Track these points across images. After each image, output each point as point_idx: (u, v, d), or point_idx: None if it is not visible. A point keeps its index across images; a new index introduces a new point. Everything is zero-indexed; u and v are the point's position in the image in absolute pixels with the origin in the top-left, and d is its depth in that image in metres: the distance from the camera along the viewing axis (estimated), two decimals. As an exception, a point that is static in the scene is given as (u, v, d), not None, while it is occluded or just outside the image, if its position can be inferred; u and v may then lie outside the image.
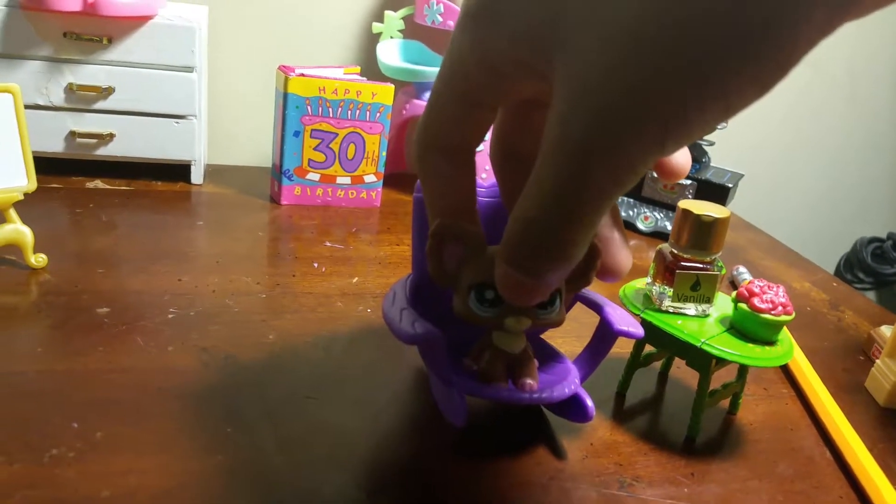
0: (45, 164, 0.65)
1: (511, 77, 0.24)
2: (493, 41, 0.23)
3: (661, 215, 0.77)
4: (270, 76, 0.82)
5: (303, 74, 0.67)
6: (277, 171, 0.71)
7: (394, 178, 0.81)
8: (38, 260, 0.51)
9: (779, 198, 1.17)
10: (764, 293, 0.40)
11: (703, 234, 0.40)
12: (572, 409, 0.39)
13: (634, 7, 0.18)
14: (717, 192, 0.74)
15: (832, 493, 0.39)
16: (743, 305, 0.40)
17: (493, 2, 0.23)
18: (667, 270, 0.41)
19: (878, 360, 0.50)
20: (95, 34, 0.65)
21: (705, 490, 0.37)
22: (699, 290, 0.41)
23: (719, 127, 0.73)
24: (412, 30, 0.82)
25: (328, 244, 0.63)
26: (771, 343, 0.40)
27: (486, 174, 0.74)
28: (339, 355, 0.45)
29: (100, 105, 0.67)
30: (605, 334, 0.38)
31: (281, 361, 0.43)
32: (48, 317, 0.45)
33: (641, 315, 0.41)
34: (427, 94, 0.77)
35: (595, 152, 0.20)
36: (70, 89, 0.66)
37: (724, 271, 0.41)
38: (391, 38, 0.79)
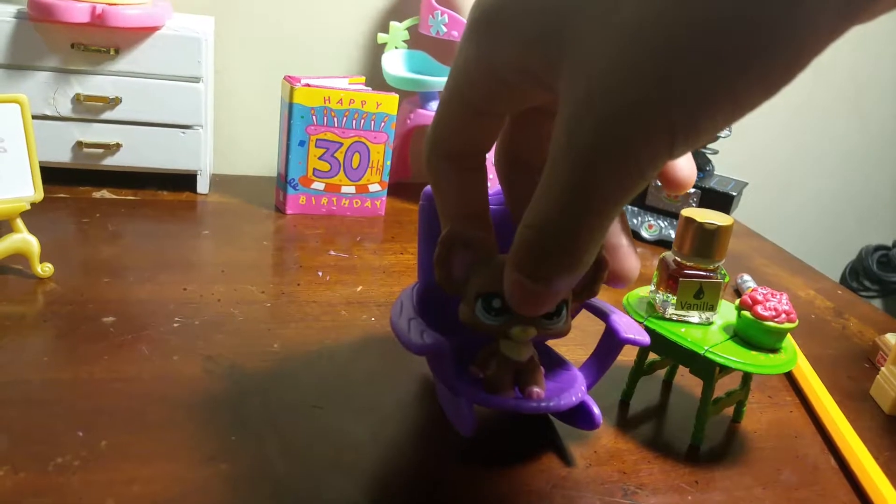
0: (51, 174, 0.65)
1: (516, 86, 0.24)
2: (498, 51, 0.23)
3: (666, 223, 0.77)
4: (276, 86, 0.82)
5: (308, 84, 0.68)
6: (282, 181, 0.71)
7: (398, 188, 0.82)
8: (45, 269, 0.51)
9: (784, 206, 1.17)
10: (767, 301, 0.40)
11: (706, 242, 0.40)
12: (579, 416, 0.38)
13: (640, 13, 0.18)
14: (721, 201, 0.74)
15: (837, 501, 0.39)
16: (746, 313, 0.40)
17: (498, 12, 0.23)
18: (670, 278, 0.41)
19: (883, 368, 0.50)
20: (103, 45, 0.65)
21: (709, 498, 0.37)
22: (702, 297, 0.41)
23: (722, 135, 0.73)
24: (417, 40, 0.82)
25: (333, 253, 0.63)
26: (775, 351, 0.40)
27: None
28: (344, 364, 0.45)
29: (107, 115, 0.68)
30: (612, 342, 0.38)
31: (286, 370, 0.43)
32: (54, 326, 0.45)
33: (645, 323, 0.41)
34: (431, 104, 0.78)
35: (603, 158, 0.20)
36: (77, 100, 0.66)
37: (727, 279, 0.41)
38: (396, 48, 0.80)
